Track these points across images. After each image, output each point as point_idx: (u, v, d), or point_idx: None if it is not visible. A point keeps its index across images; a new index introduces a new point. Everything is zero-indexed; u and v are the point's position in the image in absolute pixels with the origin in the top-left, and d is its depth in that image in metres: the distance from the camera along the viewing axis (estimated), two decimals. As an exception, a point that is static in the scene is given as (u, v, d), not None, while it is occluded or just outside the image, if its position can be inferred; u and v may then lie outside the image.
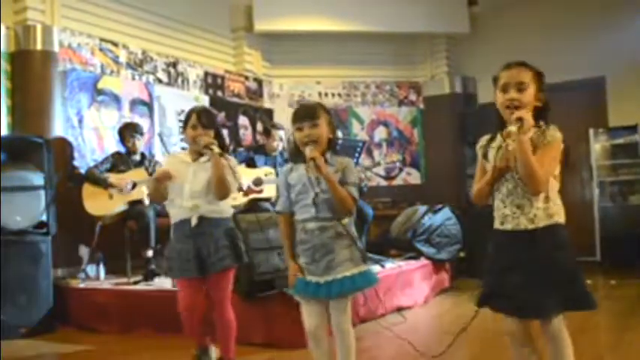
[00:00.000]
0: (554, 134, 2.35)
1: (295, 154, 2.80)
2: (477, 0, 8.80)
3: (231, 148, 7.79)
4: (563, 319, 2.43)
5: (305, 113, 2.75)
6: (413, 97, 9.33)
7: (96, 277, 5.70)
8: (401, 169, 9.14)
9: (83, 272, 5.78)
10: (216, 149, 3.28)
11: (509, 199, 2.40)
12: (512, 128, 2.25)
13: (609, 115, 8.25)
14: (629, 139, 7.82)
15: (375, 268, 5.49)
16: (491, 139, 2.52)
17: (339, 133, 7.05)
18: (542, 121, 2.42)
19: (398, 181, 9.11)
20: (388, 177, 9.07)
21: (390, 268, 5.70)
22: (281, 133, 6.13)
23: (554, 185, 2.39)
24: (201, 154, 3.37)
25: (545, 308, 2.34)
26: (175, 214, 3.39)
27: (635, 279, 6.66)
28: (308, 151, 2.65)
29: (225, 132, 7.86)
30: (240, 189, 3.51)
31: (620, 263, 7.38)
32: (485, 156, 2.52)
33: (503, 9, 8.80)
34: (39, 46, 5.84)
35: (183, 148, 7.17)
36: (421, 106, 9.30)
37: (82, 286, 5.48)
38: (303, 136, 2.71)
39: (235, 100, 8.17)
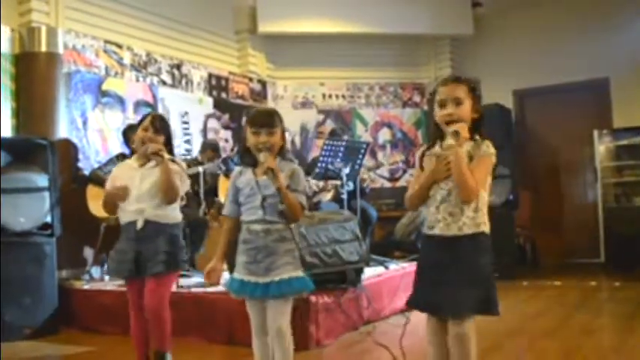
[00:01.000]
0: (488, 150, 2.49)
1: (246, 156, 2.84)
2: (480, 1, 8.80)
3: (235, 149, 7.81)
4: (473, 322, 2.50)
5: (264, 120, 2.79)
6: (417, 98, 9.34)
7: (100, 279, 5.71)
8: (405, 171, 9.14)
9: (87, 274, 5.79)
10: (167, 155, 3.34)
11: (442, 206, 2.51)
12: (450, 141, 2.41)
13: (613, 117, 8.25)
14: (634, 140, 7.81)
15: (376, 270, 5.50)
16: (428, 148, 2.65)
17: (344, 136, 7.05)
18: (478, 134, 2.55)
19: (402, 183, 9.10)
20: (392, 179, 9.08)
21: (394, 269, 5.70)
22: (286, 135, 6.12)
23: (484, 197, 2.51)
24: (148, 160, 3.40)
25: (459, 306, 2.44)
26: (122, 217, 3.42)
27: (639, 280, 6.65)
28: (263, 158, 2.69)
29: (229, 133, 7.89)
30: (182, 198, 3.55)
31: (624, 265, 7.37)
32: (422, 166, 2.63)
33: (507, 11, 8.79)
34: (43, 48, 5.86)
35: (187, 150, 7.21)
36: (425, 107, 9.30)
37: (86, 287, 5.49)
38: (259, 142, 2.75)
39: (239, 101, 8.19)
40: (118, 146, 6.38)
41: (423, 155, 2.64)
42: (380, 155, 8.95)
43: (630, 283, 6.54)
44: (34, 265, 5.08)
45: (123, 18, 6.83)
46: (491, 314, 2.48)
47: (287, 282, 2.69)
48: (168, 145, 3.50)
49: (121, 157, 5.94)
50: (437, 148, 2.57)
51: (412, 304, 2.63)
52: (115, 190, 3.38)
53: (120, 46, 6.73)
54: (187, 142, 7.32)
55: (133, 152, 5.82)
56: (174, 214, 3.45)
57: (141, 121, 3.50)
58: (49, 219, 5.18)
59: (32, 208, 5.10)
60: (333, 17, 8.48)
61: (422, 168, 2.62)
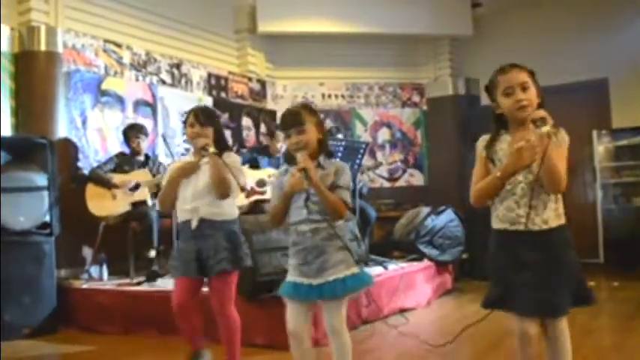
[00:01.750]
0: (564, 137, 2.39)
1: (289, 157, 2.81)
2: (480, 2, 8.80)
3: (235, 149, 7.81)
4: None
5: (290, 120, 2.75)
6: (416, 98, 9.34)
7: (99, 278, 5.70)
8: (404, 171, 9.14)
9: (86, 273, 5.79)
10: (212, 149, 3.25)
11: (523, 201, 2.40)
12: (546, 127, 2.25)
13: (612, 117, 8.24)
14: (633, 140, 7.81)
15: (375, 270, 5.50)
16: (492, 140, 2.53)
17: (340, 136, 7.04)
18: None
19: (401, 183, 9.11)
20: (391, 178, 9.08)
21: (393, 269, 5.70)
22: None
23: None
24: (203, 156, 3.34)
25: (561, 306, 2.39)
26: (179, 216, 3.38)
27: (638, 281, 6.66)
28: (300, 158, 2.65)
29: (228, 133, 7.88)
30: (243, 189, 3.46)
31: (623, 265, 7.37)
32: (490, 158, 2.51)
33: (507, 11, 8.80)
34: (43, 47, 5.86)
35: (186, 149, 7.19)
36: (424, 107, 9.31)
37: (85, 286, 5.48)
38: (291, 144, 2.74)
39: (239, 101, 8.19)
40: (117, 145, 6.37)
41: (488, 147, 2.52)
42: (379, 155, 8.95)
43: (629, 284, 6.55)
44: (33, 264, 5.08)
45: (122, 17, 6.82)
46: (590, 305, 2.47)
47: (341, 281, 2.65)
48: (220, 136, 3.43)
49: (121, 156, 5.96)
50: (506, 138, 2.48)
51: (495, 304, 2.46)
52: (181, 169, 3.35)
53: (119, 46, 6.72)
54: (187, 141, 7.31)
55: (132, 151, 5.90)
56: (230, 210, 3.37)
57: (185, 119, 3.44)
58: (48, 218, 5.18)
59: (31, 208, 5.11)
60: (333, 17, 8.48)
61: (488, 159, 2.51)
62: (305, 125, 2.73)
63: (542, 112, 2.30)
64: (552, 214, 2.40)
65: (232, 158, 3.36)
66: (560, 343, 2.44)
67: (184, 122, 3.47)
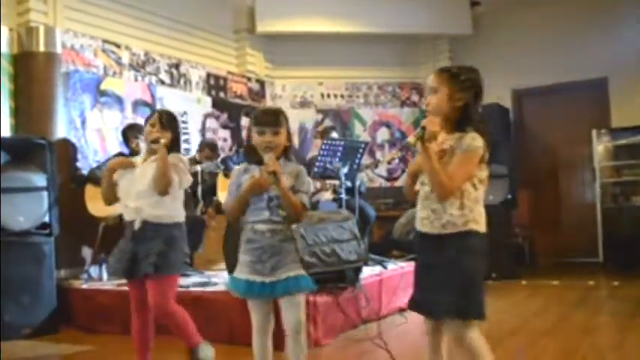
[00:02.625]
0: (471, 143, 2.38)
1: (251, 155, 2.83)
2: (479, 1, 8.80)
3: (234, 149, 7.81)
4: (470, 325, 2.40)
5: (269, 119, 2.78)
6: (415, 98, 9.34)
7: (99, 278, 5.70)
8: (403, 170, 9.13)
9: (86, 273, 5.78)
10: (163, 140, 3.28)
11: (425, 203, 2.48)
12: (410, 139, 2.36)
13: (612, 116, 8.25)
14: (632, 139, 7.82)
15: (374, 269, 5.51)
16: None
17: (335, 134, 7.04)
18: (468, 125, 2.44)
19: (400, 182, 9.11)
20: (390, 178, 9.08)
21: (392, 269, 5.70)
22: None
23: (471, 193, 2.41)
24: (153, 152, 3.35)
25: (437, 309, 2.40)
26: (124, 214, 3.38)
27: (637, 280, 6.66)
28: (267, 160, 2.67)
29: (227, 133, 7.89)
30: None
31: (622, 264, 7.38)
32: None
33: (506, 10, 8.80)
34: (42, 48, 5.85)
35: (186, 149, 7.19)
36: (423, 107, 9.30)
37: (84, 287, 5.48)
38: (263, 141, 2.74)
39: (238, 101, 8.19)
40: (116, 146, 6.38)
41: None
42: (378, 154, 8.95)
43: (628, 283, 6.55)
44: (32, 264, 5.08)
45: (121, 17, 6.82)
46: (470, 319, 2.38)
47: (294, 279, 2.71)
48: (176, 142, 3.44)
49: (120, 156, 5.95)
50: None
51: (409, 304, 2.59)
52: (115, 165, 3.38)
53: (118, 46, 6.72)
54: (186, 141, 7.30)
55: (131, 152, 5.90)
56: (173, 213, 3.37)
57: (149, 118, 3.46)
58: (47, 218, 5.18)
59: (31, 208, 5.11)
60: (332, 17, 8.48)
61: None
62: (281, 128, 2.77)
63: (426, 121, 2.36)
64: (453, 220, 2.39)
65: (179, 159, 3.37)
66: (457, 347, 2.44)
67: (146, 121, 3.50)
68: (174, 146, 3.42)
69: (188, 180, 3.43)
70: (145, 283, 3.31)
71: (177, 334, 3.37)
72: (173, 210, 3.37)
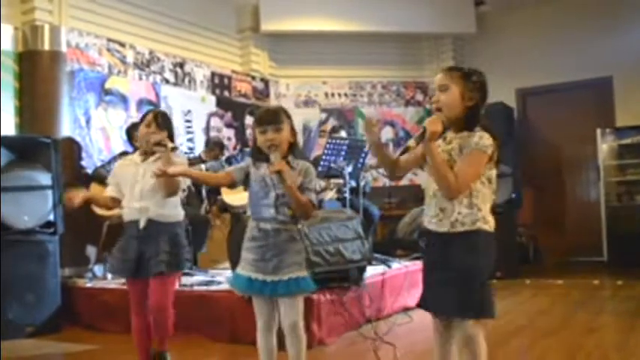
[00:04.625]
0: (479, 142, 2.37)
1: (257, 155, 2.83)
2: (483, 0, 8.79)
3: (238, 148, 7.82)
4: (479, 325, 2.39)
5: (269, 117, 2.79)
6: (419, 97, 9.33)
7: (103, 277, 5.71)
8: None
9: (90, 272, 5.80)
10: (170, 144, 3.30)
11: (433, 201, 2.46)
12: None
13: (616, 115, 8.24)
14: (637, 139, 7.81)
15: (379, 269, 5.51)
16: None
17: (343, 133, 7.04)
18: (477, 125, 2.43)
19: (404, 182, 9.08)
20: (394, 177, 9.05)
21: (396, 268, 5.70)
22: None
23: (480, 191, 2.40)
24: (151, 154, 3.37)
25: (446, 308, 2.41)
26: (126, 214, 3.39)
27: (641, 279, 6.66)
28: (273, 159, 2.68)
29: (231, 132, 7.90)
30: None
31: (626, 263, 7.36)
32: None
33: (510, 9, 8.79)
34: (47, 47, 5.86)
35: (190, 148, 7.21)
36: (428, 106, 9.29)
37: (89, 285, 5.50)
38: (265, 140, 2.75)
39: (242, 100, 8.19)
40: (121, 144, 6.39)
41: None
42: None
43: (633, 282, 6.53)
44: (36, 263, 5.09)
45: (126, 16, 6.83)
46: (476, 318, 2.37)
47: (295, 281, 2.72)
48: (171, 141, 3.44)
49: (124, 155, 5.95)
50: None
51: (419, 302, 2.56)
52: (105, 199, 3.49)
53: (123, 45, 6.73)
54: (190, 140, 7.32)
55: (136, 150, 5.89)
56: (176, 212, 3.42)
57: (143, 118, 3.48)
58: (52, 217, 5.19)
59: (35, 207, 5.12)
60: (336, 16, 8.48)
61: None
62: (282, 125, 2.78)
63: (428, 121, 2.34)
64: (463, 219, 2.37)
65: (182, 158, 3.41)
66: (467, 349, 2.40)
67: (140, 121, 3.51)
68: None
69: (185, 180, 3.46)
70: (147, 282, 3.32)
71: (158, 333, 3.39)
72: (176, 208, 3.43)
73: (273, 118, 2.78)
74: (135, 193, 3.34)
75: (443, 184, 2.34)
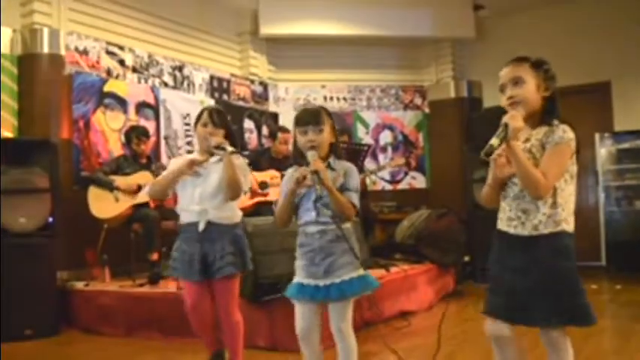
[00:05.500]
0: (563, 135, 2.25)
1: (298, 157, 2.80)
2: (482, 4, 8.80)
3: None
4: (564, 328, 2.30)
5: (310, 118, 2.74)
6: (418, 101, 9.34)
7: (101, 280, 5.71)
8: (406, 174, 9.14)
9: (88, 275, 5.78)
10: (230, 148, 3.22)
11: (515, 203, 2.31)
12: (493, 141, 2.18)
13: (615, 120, 8.25)
14: (635, 143, 7.81)
15: (377, 272, 5.50)
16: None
17: (344, 137, 7.05)
18: (555, 117, 2.35)
19: (403, 186, 9.11)
20: (393, 181, 9.08)
21: (394, 272, 5.69)
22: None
23: (564, 190, 2.27)
24: (210, 155, 3.32)
25: (534, 317, 2.24)
26: (184, 217, 3.36)
27: (640, 284, 6.66)
28: (310, 158, 2.65)
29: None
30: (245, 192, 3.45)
31: (625, 268, 7.37)
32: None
33: (509, 13, 8.80)
34: (46, 50, 5.87)
35: (189, 152, 7.20)
36: (426, 110, 9.31)
37: (86, 288, 5.49)
38: (306, 141, 2.72)
39: (241, 103, 8.19)
40: (119, 148, 6.38)
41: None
42: (381, 158, 8.96)
43: (631, 287, 6.53)
44: (34, 265, 5.08)
45: (125, 20, 6.83)
46: (579, 325, 2.20)
47: (348, 283, 2.66)
48: (232, 139, 3.40)
49: (123, 158, 5.96)
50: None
51: (487, 310, 2.36)
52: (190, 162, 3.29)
53: (122, 48, 6.73)
54: (189, 143, 7.32)
55: (134, 154, 5.91)
56: (234, 213, 3.38)
57: (199, 117, 3.41)
58: (50, 220, 5.18)
59: (33, 209, 5.12)
60: (335, 20, 8.48)
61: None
62: (324, 125, 2.74)
63: (508, 117, 2.22)
64: (546, 220, 2.24)
65: (241, 161, 3.36)
66: (555, 354, 2.32)
67: (196, 120, 3.43)
68: (230, 145, 3.35)
69: (249, 181, 3.44)
70: (207, 285, 3.30)
71: (230, 345, 3.37)
72: (234, 210, 3.39)
73: (314, 118, 2.74)
74: (194, 196, 3.29)
75: (531, 183, 2.19)
